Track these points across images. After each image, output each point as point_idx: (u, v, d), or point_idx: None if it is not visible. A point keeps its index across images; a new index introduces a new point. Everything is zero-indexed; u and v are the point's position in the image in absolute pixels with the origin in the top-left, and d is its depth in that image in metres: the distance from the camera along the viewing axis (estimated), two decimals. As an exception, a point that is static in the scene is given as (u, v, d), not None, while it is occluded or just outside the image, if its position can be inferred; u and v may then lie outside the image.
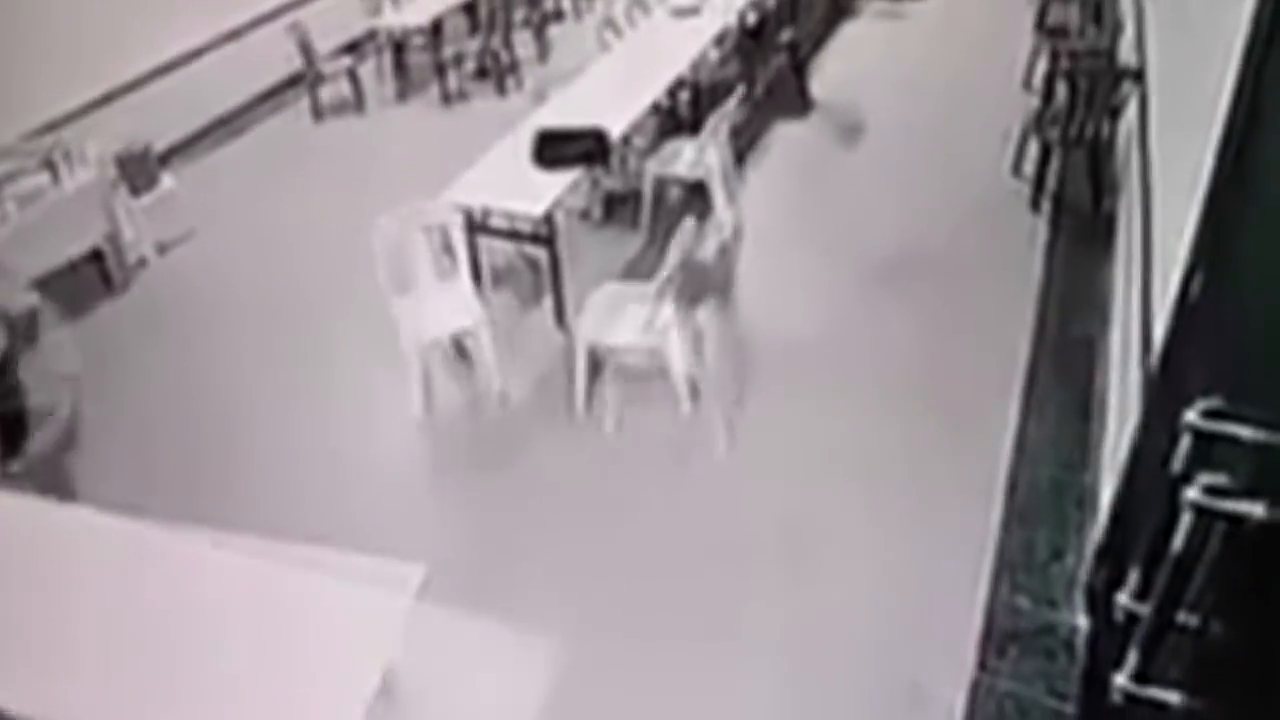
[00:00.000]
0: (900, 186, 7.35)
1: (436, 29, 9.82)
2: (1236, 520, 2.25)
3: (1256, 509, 2.21)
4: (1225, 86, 3.08)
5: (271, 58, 9.55)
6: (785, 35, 8.95)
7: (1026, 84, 8.56)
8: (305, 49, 9.33)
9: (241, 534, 3.06)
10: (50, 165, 6.55)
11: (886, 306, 5.95)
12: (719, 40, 8.24)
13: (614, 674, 3.88)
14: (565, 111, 6.51)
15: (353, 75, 9.71)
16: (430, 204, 5.50)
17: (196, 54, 8.92)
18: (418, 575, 3.02)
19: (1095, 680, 3.42)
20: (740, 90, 7.17)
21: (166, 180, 7.43)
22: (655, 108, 7.01)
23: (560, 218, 5.80)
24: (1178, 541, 2.37)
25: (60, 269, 6.44)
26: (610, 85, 7.09)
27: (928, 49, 9.91)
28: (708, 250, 6.51)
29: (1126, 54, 6.93)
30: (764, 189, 7.50)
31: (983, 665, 3.85)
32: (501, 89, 9.84)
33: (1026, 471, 4.72)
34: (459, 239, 5.46)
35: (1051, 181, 6.89)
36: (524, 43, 10.44)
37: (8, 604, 3.03)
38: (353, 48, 10.50)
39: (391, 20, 10.06)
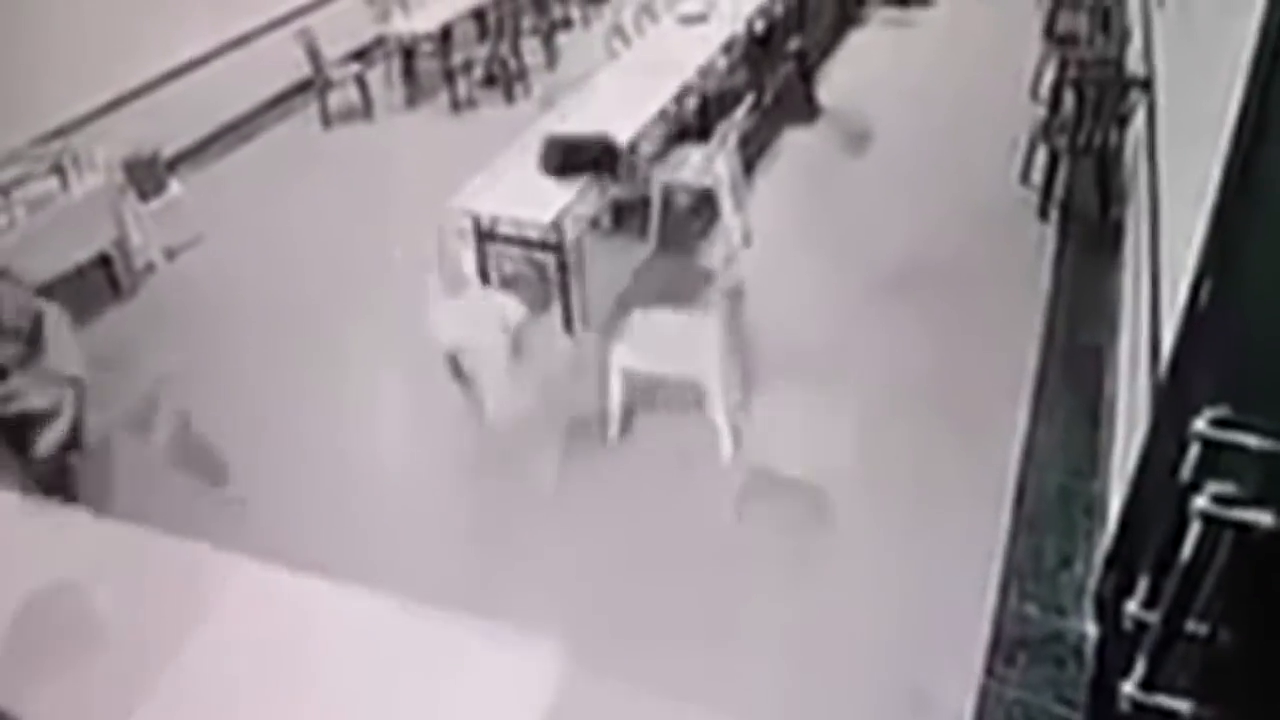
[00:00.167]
0: (908, 194, 7.34)
1: (445, 36, 9.85)
2: (1245, 528, 2.25)
3: (1265, 517, 2.21)
4: (1233, 96, 3.08)
5: (280, 64, 9.58)
6: (793, 43, 8.96)
7: (1034, 93, 8.55)
8: (314, 55, 9.34)
9: (347, 583, 3.04)
10: (59, 170, 6.57)
11: (894, 313, 5.94)
12: (727, 48, 8.25)
13: (615, 676, 3.87)
14: (573, 119, 6.52)
15: (361, 82, 9.73)
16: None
17: (205, 60, 8.95)
18: (556, 649, 3.00)
19: (1103, 688, 3.42)
20: (749, 98, 7.18)
21: (174, 186, 7.46)
22: (663, 115, 7.00)
23: (569, 225, 5.80)
24: (1186, 550, 2.37)
25: (68, 274, 6.45)
26: (619, 93, 7.10)
27: (935, 57, 9.91)
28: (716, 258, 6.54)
29: (1134, 63, 6.94)
30: (772, 196, 7.50)
31: (990, 672, 3.84)
32: (510, 96, 9.85)
33: (1035, 479, 4.72)
34: (468, 245, 5.49)
35: (1059, 190, 6.89)
36: (532, 50, 10.45)
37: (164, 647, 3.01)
38: (361, 54, 10.54)
39: (400, 27, 10.08)
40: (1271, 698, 2.27)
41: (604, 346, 5.22)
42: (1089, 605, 4.01)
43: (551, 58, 10.73)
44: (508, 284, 6.12)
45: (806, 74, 8.92)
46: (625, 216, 7.09)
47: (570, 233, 5.87)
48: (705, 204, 6.94)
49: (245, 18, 9.37)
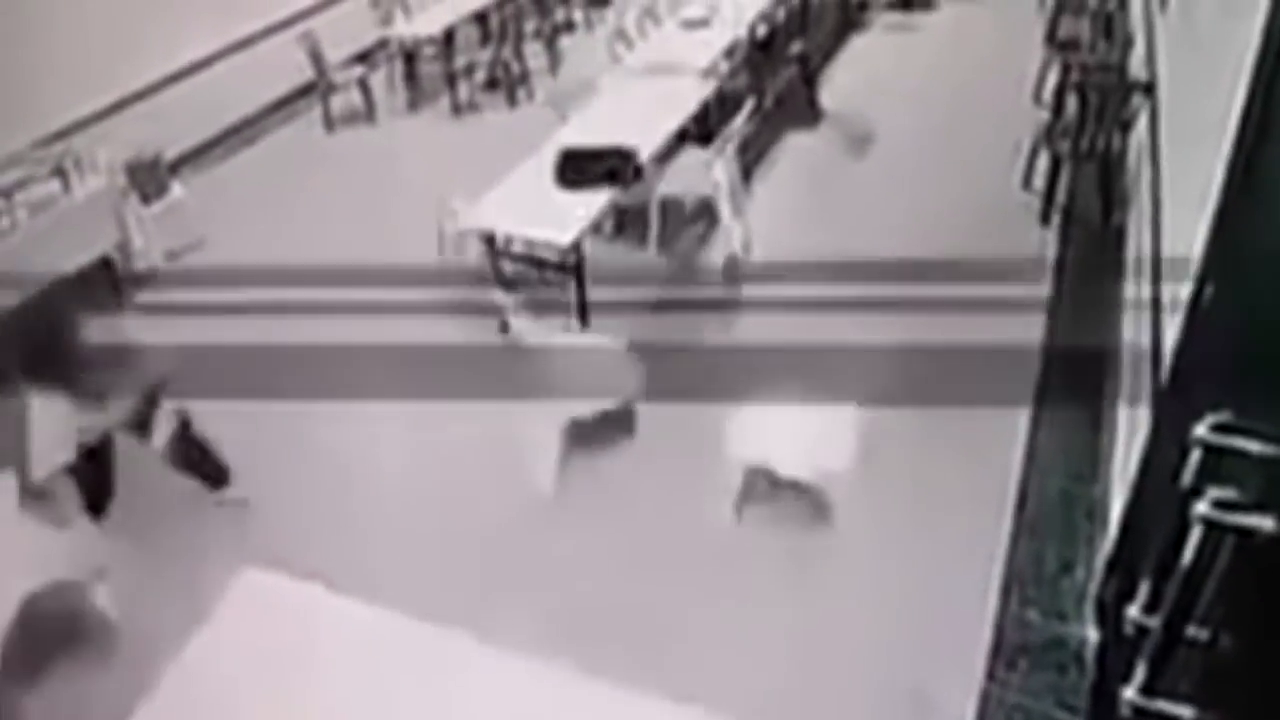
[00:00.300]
0: (910, 198, 7.34)
1: (448, 39, 9.85)
2: (1246, 534, 2.24)
3: (1266, 523, 2.20)
4: (1236, 100, 3.07)
5: (282, 67, 9.58)
6: (795, 47, 8.96)
7: (1037, 97, 8.55)
8: (316, 58, 9.35)
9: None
10: (61, 173, 6.58)
11: (896, 318, 5.94)
12: (729, 52, 8.26)
13: (614, 677, 3.86)
14: (590, 127, 6.48)
15: (364, 85, 9.74)
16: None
17: (207, 62, 8.95)
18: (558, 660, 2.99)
19: (1105, 693, 3.41)
20: (750, 102, 7.18)
21: (176, 188, 7.46)
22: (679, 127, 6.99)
23: (587, 245, 5.78)
24: (1187, 555, 2.36)
25: (70, 276, 6.45)
26: (630, 101, 7.07)
27: (937, 61, 9.91)
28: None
29: (1137, 67, 6.93)
30: (774, 199, 7.50)
31: (992, 677, 3.84)
32: (512, 100, 9.86)
33: (1036, 483, 4.71)
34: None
35: (1061, 195, 6.88)
36: (535, 53, 10.46)
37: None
38: (364, 57, 10.54)
39: (403, 30, 10.10)
40: (1273, 703, 2.26)
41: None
42: (1090, 610, 4.00)
43: (554, 61, 10.72)
44: (508, 284, 6.12)
45: (808, 78, 8.92)
46: (627, 221, 7.08)
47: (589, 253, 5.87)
48: (705, 209, 6.94)
49: (248, 21, 9.37)
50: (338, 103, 9.66)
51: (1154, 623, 2.56)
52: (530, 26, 10.73)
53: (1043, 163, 7.01)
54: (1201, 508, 2.29)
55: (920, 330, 5.82)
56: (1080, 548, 4.31)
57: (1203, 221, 3.18)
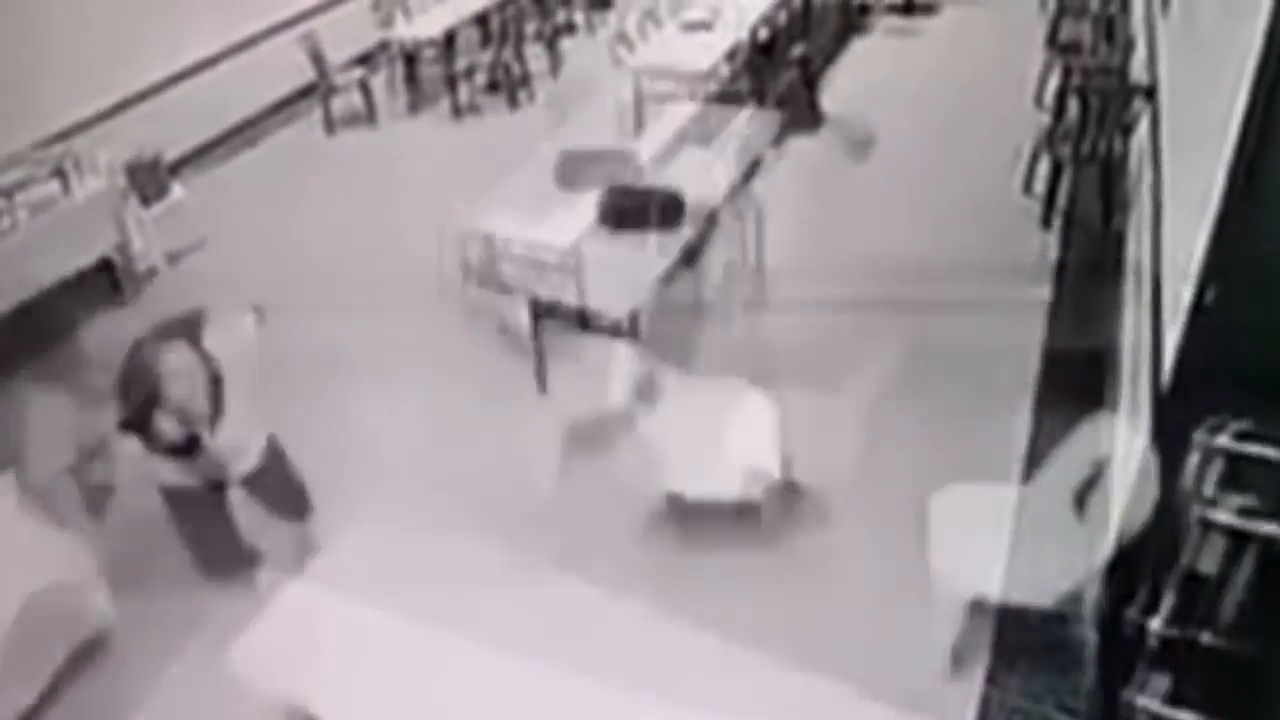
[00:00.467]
0: (911, 202, 7.34)
1: (449, 41, 9.85)
2: (1247, 537, 2.24)
3: (1270, 527, 2.20)
4: (1237, 104, 3.07)
5: (283, 68, 9.58)
6: (797, 50, 8.96)
7: (1038, 101, 8.55)
8: (317, 60, 9.35)
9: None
10: (61, 174, 6.57)
11: (895, 322, 5.94)
12: (730, 55, 8.26)
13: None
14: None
15: (365, 87, 9.74)
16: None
17: (208, 64, 8.95)
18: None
19: (1105, 696, 3.41)
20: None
21: (177, 190, 7.46)
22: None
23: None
24: (1188, 558, 2.36)
25: (70, 278, 6.45)
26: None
27: (939, 65, 9.90)
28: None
29: (1138, 71, 6.93)
30: (774, 203, 7.49)
31: (992, 680, 3.83)
32: (513, 102, 9.86)
33: (1036, 486, 4.71)
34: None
35: (1062, 199, 6.88)
36: (536, 55, 10.46)
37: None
38: (365, 59, 10.54)
39: (404, 32, 10.09)
40: (1275, 707, 2.26)
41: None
42: (1090, 612, 4.00)
43: (555, 64, 10.73)
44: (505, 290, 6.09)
45: (810, 81, 8.92)
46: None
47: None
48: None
49: (249, 22, 9.37)
50: (339, 105, 9.67)
51: (1154, 625, 2.56)
52: (531, 29, 10.73)
53: (1044, 167, 7.01)
54: (1203, 511, 2.29)
55: (921, 332, 5.82)
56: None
57: (1203, 226, 3.18)
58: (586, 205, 5.71)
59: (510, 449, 5.29)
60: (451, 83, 9.80)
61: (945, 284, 6.27)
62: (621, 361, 4.85)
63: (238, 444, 4.01)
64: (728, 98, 8.19)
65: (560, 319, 5.62)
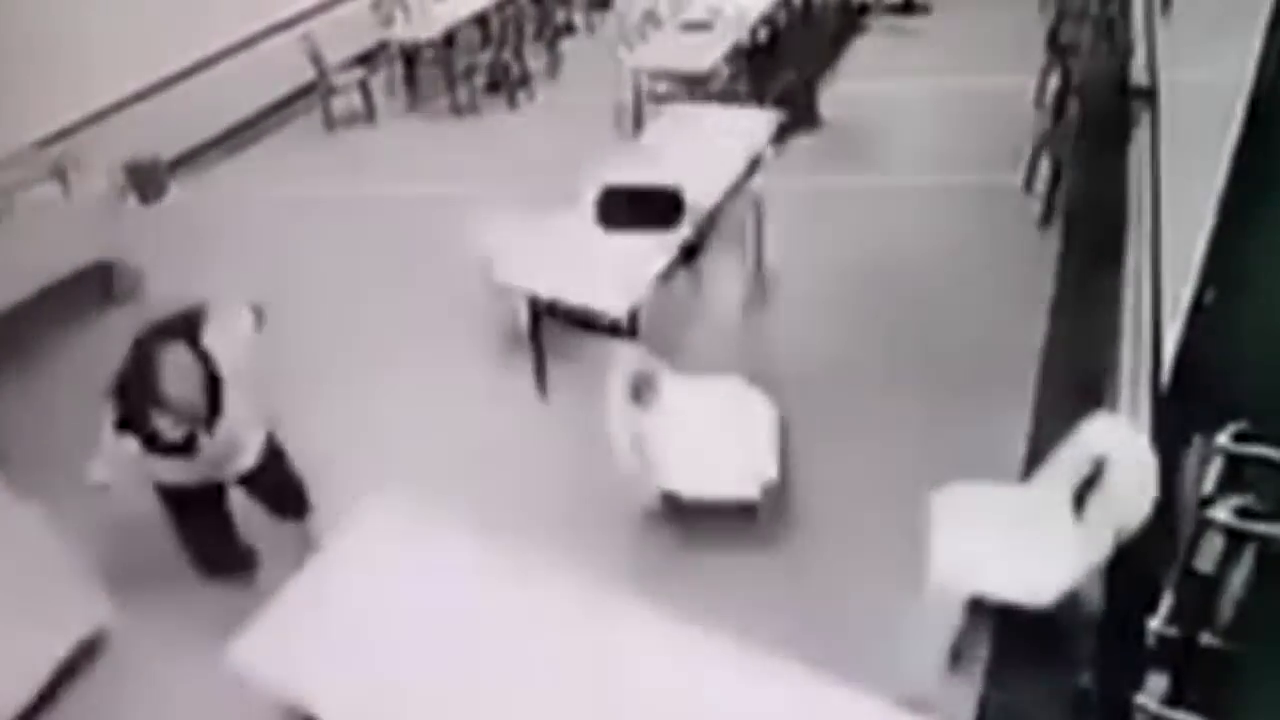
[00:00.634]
0: (910, 202, 7.33)
1: (448, 41, 9.85)
2: (1244, 537, 2.24)
3: (1268, 527, 2.20)
4: (1237, 106, 3.07)
5: (283, 68, 9.59)
6: (796, 51, 8.95)
7: (1038, 102, 8.55)
8: (317, 60, 9.36)
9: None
10: (60, 174, 6.57)
11: (894, 323, 5.94)
12: (730, 55, 8.25)
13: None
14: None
15: (364, 87, 9.74)
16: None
17: (208, 64, 8.95)
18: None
19: (1106, 698, 3.41)
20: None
21: (175, 189, 7.45)
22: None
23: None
24: (1185, 557, 2.36)
25: (68, 277, 6.44)
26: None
27: (939, 66, 9.89)
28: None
29: (1138, 73, 6.92)
30: (774, 202, 7.49)
31: (991, 679, 3.83)
32: (513, 102, 9.86)
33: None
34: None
35: (1062, 199, 6.88)
36: (535, 55, 10.45)
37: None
38: (364, 59, 10.54)
39: (403, 32, 10.09)
40: (1274, 707, 2.26)
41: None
42: (1090, 612, 3.99)
43: (554, 64, 10.73)
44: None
45: (809, 82, 8.91)
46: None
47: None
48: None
49: (248, 22, 9.39)
50: (338, 105, 9.67)
51: (1155, 627, 2.56)
52: (531, 29, 10.73)
53: (1044, 167, 7.01)
54: (1205, 512, 2.29)
55: (920, 332, 5.82)
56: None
57: (1204, 225, 3.19)
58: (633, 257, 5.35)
59: (509, 448, 5.30)
60: (451, 83, 9.81)
61: (945, 283, 6.27)
62: (620, 360, 4.83)
63: (236, 443, 4.03)
64: (728, 97, 8.18)
65: (559, 318, 5.61)
